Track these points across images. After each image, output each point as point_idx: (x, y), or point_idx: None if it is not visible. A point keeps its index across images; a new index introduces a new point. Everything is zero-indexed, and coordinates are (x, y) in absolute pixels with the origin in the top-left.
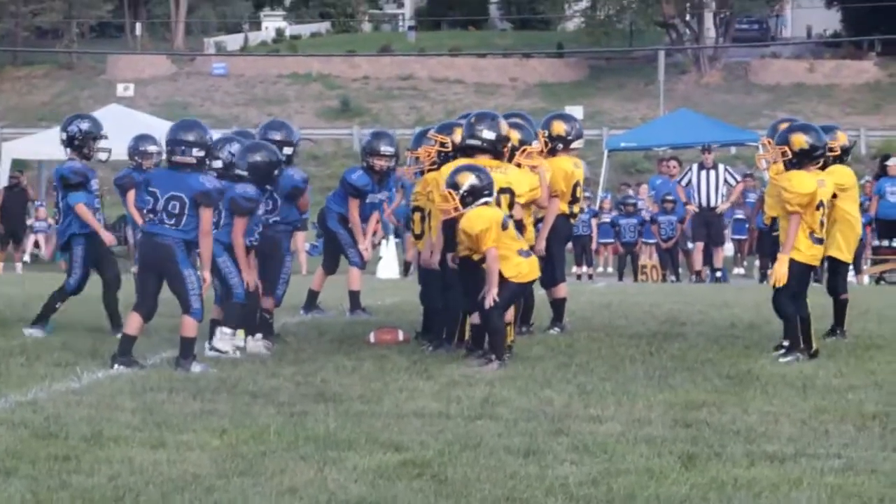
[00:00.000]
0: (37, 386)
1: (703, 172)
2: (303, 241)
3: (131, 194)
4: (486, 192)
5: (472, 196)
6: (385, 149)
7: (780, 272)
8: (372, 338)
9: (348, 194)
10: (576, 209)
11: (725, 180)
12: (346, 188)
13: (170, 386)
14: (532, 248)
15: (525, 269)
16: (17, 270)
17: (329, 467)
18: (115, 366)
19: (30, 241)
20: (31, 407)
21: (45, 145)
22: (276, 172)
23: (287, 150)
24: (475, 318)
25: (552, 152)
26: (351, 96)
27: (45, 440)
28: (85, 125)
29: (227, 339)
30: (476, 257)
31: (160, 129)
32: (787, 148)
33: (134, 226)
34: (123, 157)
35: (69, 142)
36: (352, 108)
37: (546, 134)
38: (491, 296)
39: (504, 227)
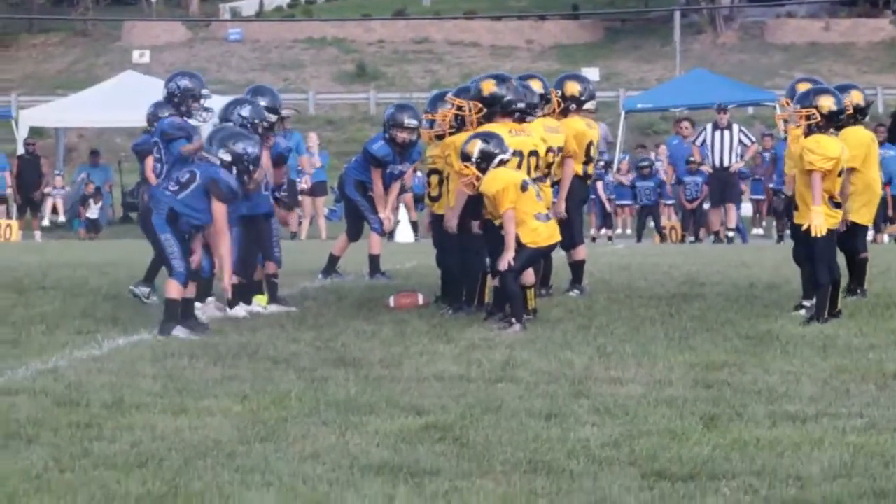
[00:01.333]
0: (57, 354)
1: (718, 132)
2: (322, 206)
3: (150, 160)
4: (497, 152)
5: (485, 161)
6: (409, 121)
7: (817, 222)
8: (391, 302)
9: (369, 164)
10: (590, 170)
11: (740, 140)
12: (367, 158)
13: (190, 352)
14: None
15: (543, 233)
16: (35, 238)
17: (351, 432)
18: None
19: (48, 205)
20: (52, 375)
21: (62, 112)
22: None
23: (272, 117)
24: (497, 282)
25: (564, 112)
26: (367, 60)
27: (67, 408)
28: (185, 82)
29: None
30: (497, 221)
31: None
32: (815, 111)
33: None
34: (140, 125)
35: (169, 98)
36: (368, 73)
37: (559, 94)
38: (507, 259)
39: (524, 188)
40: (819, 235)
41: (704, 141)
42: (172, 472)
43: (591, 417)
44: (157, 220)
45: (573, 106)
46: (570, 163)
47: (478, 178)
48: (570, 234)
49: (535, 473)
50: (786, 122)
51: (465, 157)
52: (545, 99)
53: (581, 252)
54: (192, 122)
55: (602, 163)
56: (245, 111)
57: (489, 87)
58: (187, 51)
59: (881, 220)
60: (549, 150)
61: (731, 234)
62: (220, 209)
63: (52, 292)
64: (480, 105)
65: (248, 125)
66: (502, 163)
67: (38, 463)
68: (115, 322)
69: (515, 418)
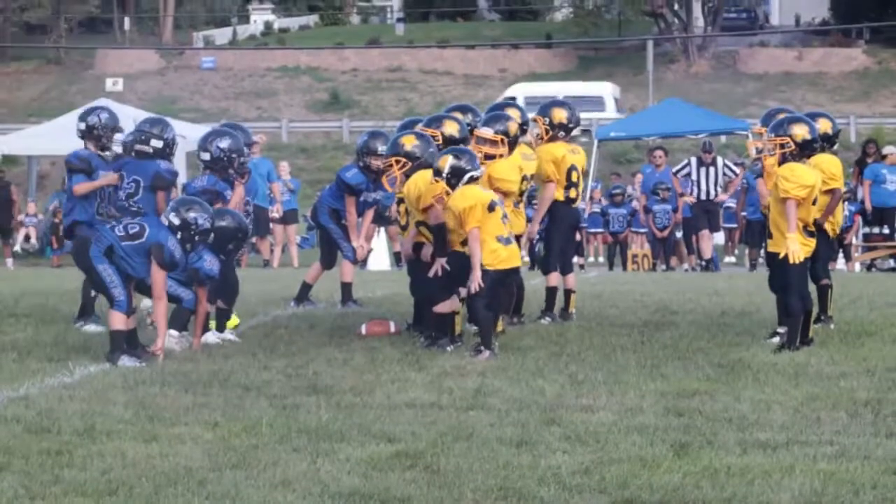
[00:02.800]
0: (29, 381)
1: (703, 168)
2: (294, 234)
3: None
4: (468, 169)
5: (455, 176)
6: (382, 148)
7: (793, 248)
8: (363, 330)
9: (343, 192)
10: (572, 194)
11: (724, 173)
12: (340, 186)
13: (161, 380)
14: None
15: (502, 255)
16: (7, 265)
17: (322, 459)
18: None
19: (20, 234)
20: (23, 402)
21: (35, 140)
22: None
23: (156, 143)
24: (439, 308)
25: (552, 140)
26: (340, 89)
27: (38, 435)
28: (104, 116)
29: (172, 340)
30: (460, 241)
31: None
32: (789, 139)
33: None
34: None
35: (88, 131)
36: (341, 101)
37: (546, 122)
38: (476, 279)
39: (491, 209)
40: (797, 262)
41: (689, 174)
42: (143, 499)
43: (562, 445)
44: (95, 251)
45: (561, 133)
46: (549, 187)
47: (447, 193)
48: (547, 259)
49: (506, 500)
50: (759, 150)
51: (436, 172)
52: (522, 129)
53: (553, 279)
54: (107, 154)
55: None
56: (224, 143)
57: (410, 141)
58: (160, 79)
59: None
60: (524, 178)
61: (703, 262)
62: (158, 275)
63: (23, 320)
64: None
65: (225, 158)
66: (472, 180)
67: (9, 490)
68: (86, 350)
69: (486, 446)
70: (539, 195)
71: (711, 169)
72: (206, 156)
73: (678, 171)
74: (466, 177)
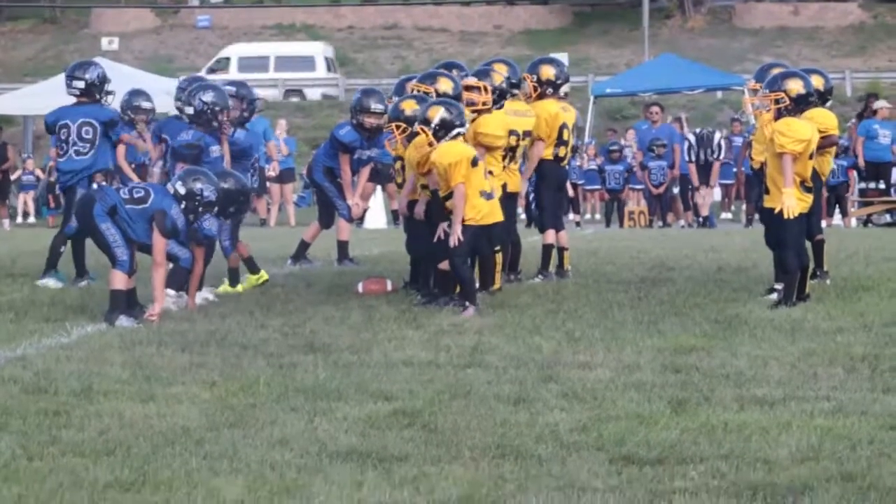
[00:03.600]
0: (26, 341)
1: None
2: (290, 193)
3: (121, 148)
4: (457, 124)
5: (443, 129)
6: (375, 106)
7: (789, 203)
8: (360, 288)
9: (337, 150)
10: (561, 152)
11: (718, 144)
12: (334, 144)
13: (159, 339)
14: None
15: (484, 209)
16: (4, 226)
17: (319, 418)
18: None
19: (20, 200)
20: (20, 363)
21: (31, 100)
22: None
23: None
24: (444, 265)
25: (541, 97)
26: (336, 46)
27: (35, 395)
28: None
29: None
30: (444, 194)
31: (146, 82)
32: (783, 94)
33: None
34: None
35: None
36: (337, 58)
37: (534, 78)
38: (456, 231)
39: (474, 164)
40: (791, 217)
41: (690, 143)
42: (141, 459)
43: (560, 402)
44: (99, 210)
45: (549, 90)
46: (539, 145)
47: (430, 144)
48: (541, 217)
49: (504, 458)
50: (755, 105)
51: (425, 121)
52: (512, 84)
53: (549, 236)
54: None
55: None
56: (207, 96)
57: (410, 105)
58: (156, 38)
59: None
60: (512, 133)
61: (700, 218)
62: (159, 242)
63: (20, 280)
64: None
65: (209, 111)
66: (458, 135)
67: (6, 451)
68: (83, 310)
69: (484, 404)
70: (528, 153)
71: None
72: (189, 109)
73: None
74: (454, 132)
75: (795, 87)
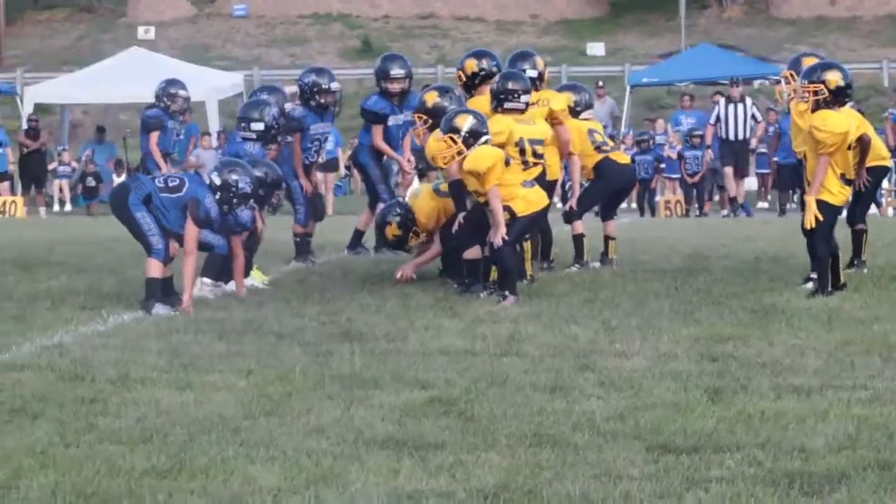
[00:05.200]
0: (63, 329)
1: (731, 106)
2: (332, 182)
3: (155, 135)
4: (484, 132)
5: (473, 137)
6: (395, 71)
7: (809, 215)
8: (399, 274)
9: (369, 122)
10: (620, 158)
11: (752, 115)
12: (365, 116)
13: (196, 328)
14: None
15: (533, 198)
16: (40, 214)
17: (355, 406)
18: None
19: (55, 186)
20: (57, 350)
21: (67, 89)
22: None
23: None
24: (469, 254)
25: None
26: (372, 36)
27: (72, 383)
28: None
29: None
30: (483, 199)
31: (182, 71)
32: (823, 86)
33: (153, 166)
34: (145, 101)
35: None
36: (373, 48)
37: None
38: (499, 235)
39: (507, 164)
40: (809, 227)
41: (718, 116)
42: (177, 446)
43: (596, 391)
44: (134, 199)
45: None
46: (574, 160)
47: (460, 153)
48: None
49: (540, 447)
50: (789, 94)
51: (454, 129)
52: (541, 77)
53: (578, 227)
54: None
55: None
56: (275, 112)
57: (432, 97)
58: (192, 27)
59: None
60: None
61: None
62: (192, 230)
63: (57, 268)
64: (426, 117)
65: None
66: (486, 142)
67: (43, 438)
68: (120, 298)
69: (520, 392)
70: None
71: (740, 107)
72: (259, 126)
73: (710, 119)
74: (482, 139)
75: (835, 78)
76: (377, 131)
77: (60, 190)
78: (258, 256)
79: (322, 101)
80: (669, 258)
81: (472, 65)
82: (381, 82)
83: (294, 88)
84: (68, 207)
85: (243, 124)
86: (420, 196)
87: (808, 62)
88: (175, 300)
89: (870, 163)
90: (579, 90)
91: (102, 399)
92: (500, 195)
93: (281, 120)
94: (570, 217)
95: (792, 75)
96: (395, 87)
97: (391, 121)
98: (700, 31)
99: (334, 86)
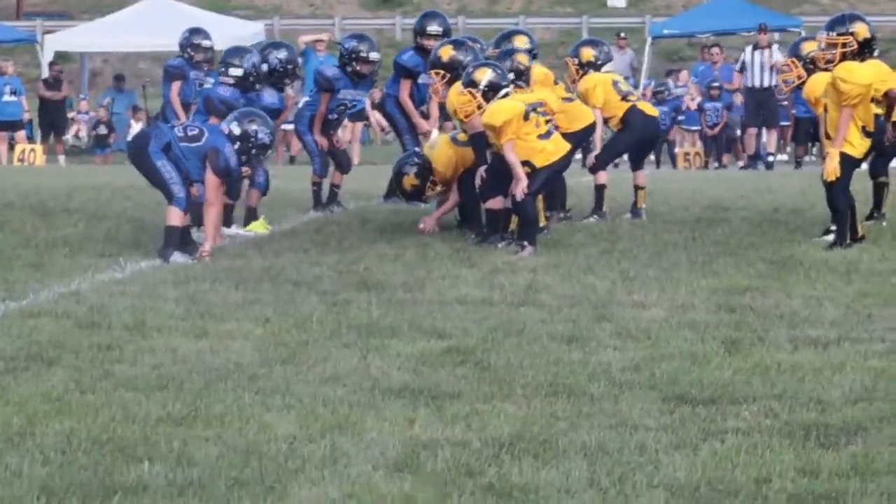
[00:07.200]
0: (80, 276)
1: (758, 52)
2: (358, 131)
3: (177, 85)
4: (504, 84)
5: (492, 91)
6: (433, 28)
7: (830, 167)
8: (422, 225)
9: (399, 75)
10: (647, 109)
11: (776, 61)
12: (396, 69)
13: (212, 276)
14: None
15: (551, 149)
16: (59, 162)
17: (372, 355)
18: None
19: (72, 129)
20: (74, 297)
21: (87, 37)
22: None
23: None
24: (491, 204)
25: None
26: None
27: (88, 330)
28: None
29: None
30: (498, 151)
31: (203, 20)
32: (851, 38)
33: (172, 115)
34: (165, 49)
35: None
36: None
37: (576, 62)
38: (521, 187)
39: (526, 117)
40: (830, 179)
41: (744, 62)
42: (193, 394)
43: (613, 341)
44: (154, 147)
45: (591, 71)
46: (596, 114)
47: (479, 107)
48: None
49: (556, 397)
50: (790, 81)
51: (472, 83)
52: (533, 54)
53: (602, 177)
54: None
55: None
56: (255, 59)
57: (447, 52)
58: None
59: None
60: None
61: (770, 158)
62: (212, 180)
63: (75, 215)
64: (443, 72)
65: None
66: (506, 95)
67: (59, 385)
68: (137, 245)
69: (537, 342)
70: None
71: (766, 52)
72: (237, 71)
73: (738, 66)
74: (502, 91)
75: (862, 30)
76: (405, 86)
77: (78, 131)
78: (269, 205)
79: (359, 68)
80: (688, 209)
81: (588, 54)
82: (417, 38)
83: (310, 38)
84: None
85: (223, 68)
86: (437, 146)
87: (807, 46)
88: (193, 249)
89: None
90: (597, 44)
91: (119, 346)
92: (519, 149)
93: (262, 69)
94: (594, 167)
95: (794, 62)
96: (431, 43)
97: (422, 78)
98: None
99: (374, 55)
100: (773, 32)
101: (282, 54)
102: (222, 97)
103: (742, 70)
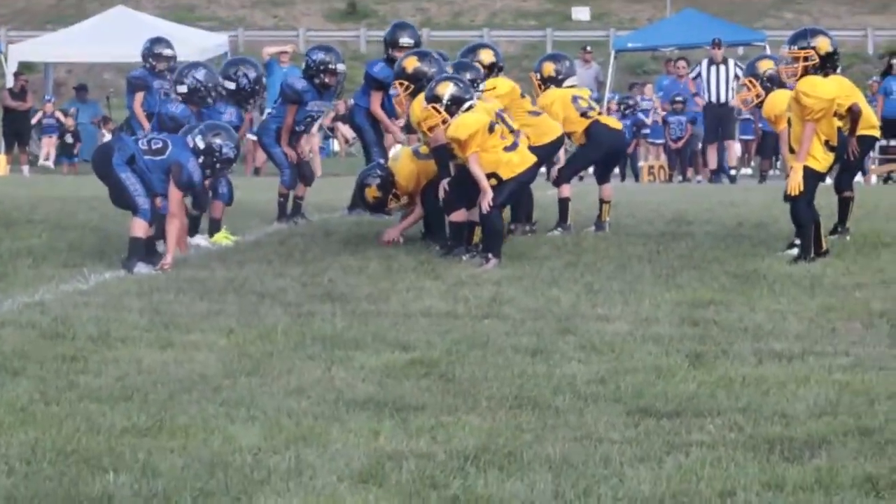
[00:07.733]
0: (44, 287)
1: (713, 67)
2: (317, 144)
3: (140, 95)
4: (466, 97)
5: (455, 105)
6: (405, 40)
7: (794, 181)
8: (384, 237)
9: (370, 87)
10: (610, 122)
11: (736, 75)
12: (367, 81)
13: (177, 287)
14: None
15: (517, 160)
16: (23, 173)
17: (336, 367)
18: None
19: (43, 144)
20: (38, 308)
21: (51, 47)
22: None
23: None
24: (454, 216)
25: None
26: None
27: (53, 340)
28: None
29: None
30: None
31: (166, 31)
32: (813, 52)
33: (138, 127)
34: (128, 60)
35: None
36: (358, 10)
37: (538, 77)
38: (486, 200)
39: (491, 129)
40: (793, 193)
41: (699, 75)
42: (158, 405)
43: (578, 354)
44: (118, 159)
45: (552, 86)
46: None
47: (444, 122)
48: (562, 171)
49: (521, 409)
50: (749, 100)
51: (435, 98)
52: (498, 68)
53: (565, 190)
54: None
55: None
56: (200, 75)
57: (412, 63)
58: None
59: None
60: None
61: (733, 171)
62: (175, 194)
63: (39, 226)
64: (407, 83)
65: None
66: (470, 108)
67: (24, 395)
68: (101, 256)
69: (501, 354)
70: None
71: (722, 68)
72: (182, 88)
73: (693, 75)
74: (465, 105)
75: (824, 44)
76: (376, 98)
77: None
78: (234, 216)
79: (326, 80)
80: (652, 222)
81: (550, 68)
82: (389, 49)
83: (274, 49)
84: (51, 164)
85: (174, 85)
86: (399, 159)
87: (764, 65)
88: (157, 260)
89: (859, 132)
90: (560, 59)
91: (83, 357)
92: (484, 161)
93: (210, 84)
94: (557, 180)
95: (751, 81)
96: (402, 55)
97: (391, 90)
98: None
99: (340, 67)
100: (737, 47)
101: (251, 73)
102: (171, 113)
103: (696, 77)
